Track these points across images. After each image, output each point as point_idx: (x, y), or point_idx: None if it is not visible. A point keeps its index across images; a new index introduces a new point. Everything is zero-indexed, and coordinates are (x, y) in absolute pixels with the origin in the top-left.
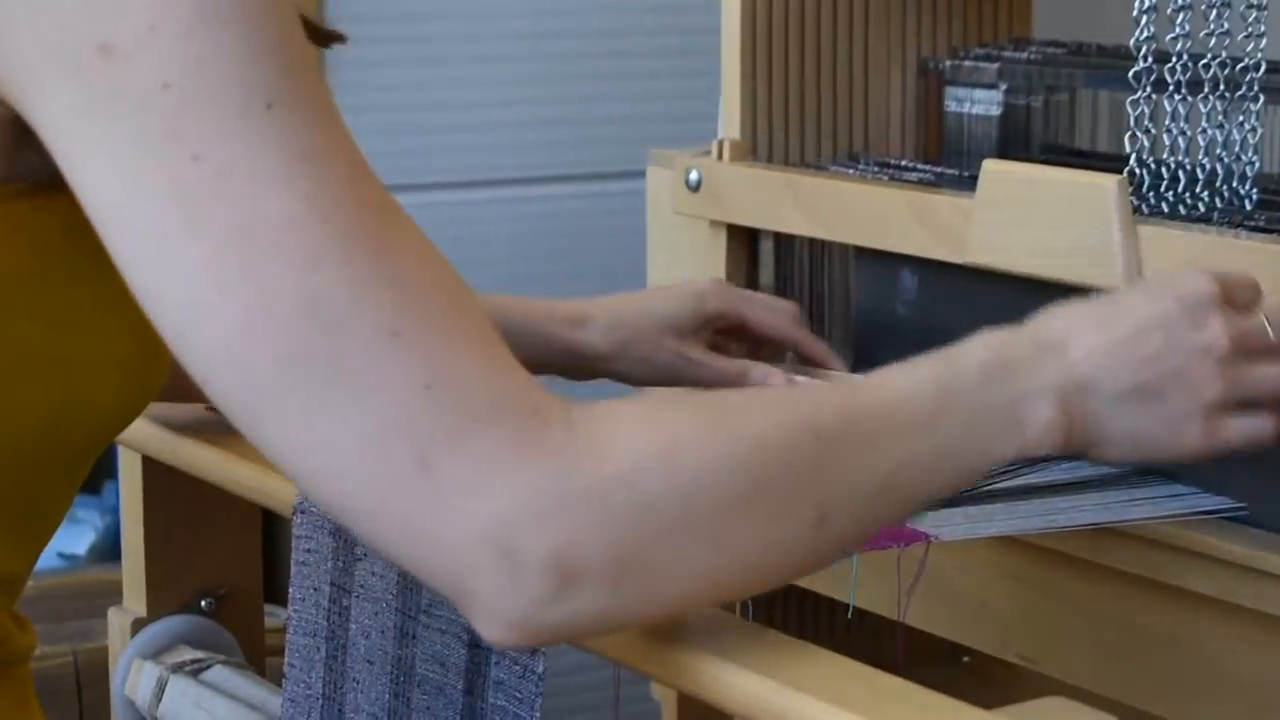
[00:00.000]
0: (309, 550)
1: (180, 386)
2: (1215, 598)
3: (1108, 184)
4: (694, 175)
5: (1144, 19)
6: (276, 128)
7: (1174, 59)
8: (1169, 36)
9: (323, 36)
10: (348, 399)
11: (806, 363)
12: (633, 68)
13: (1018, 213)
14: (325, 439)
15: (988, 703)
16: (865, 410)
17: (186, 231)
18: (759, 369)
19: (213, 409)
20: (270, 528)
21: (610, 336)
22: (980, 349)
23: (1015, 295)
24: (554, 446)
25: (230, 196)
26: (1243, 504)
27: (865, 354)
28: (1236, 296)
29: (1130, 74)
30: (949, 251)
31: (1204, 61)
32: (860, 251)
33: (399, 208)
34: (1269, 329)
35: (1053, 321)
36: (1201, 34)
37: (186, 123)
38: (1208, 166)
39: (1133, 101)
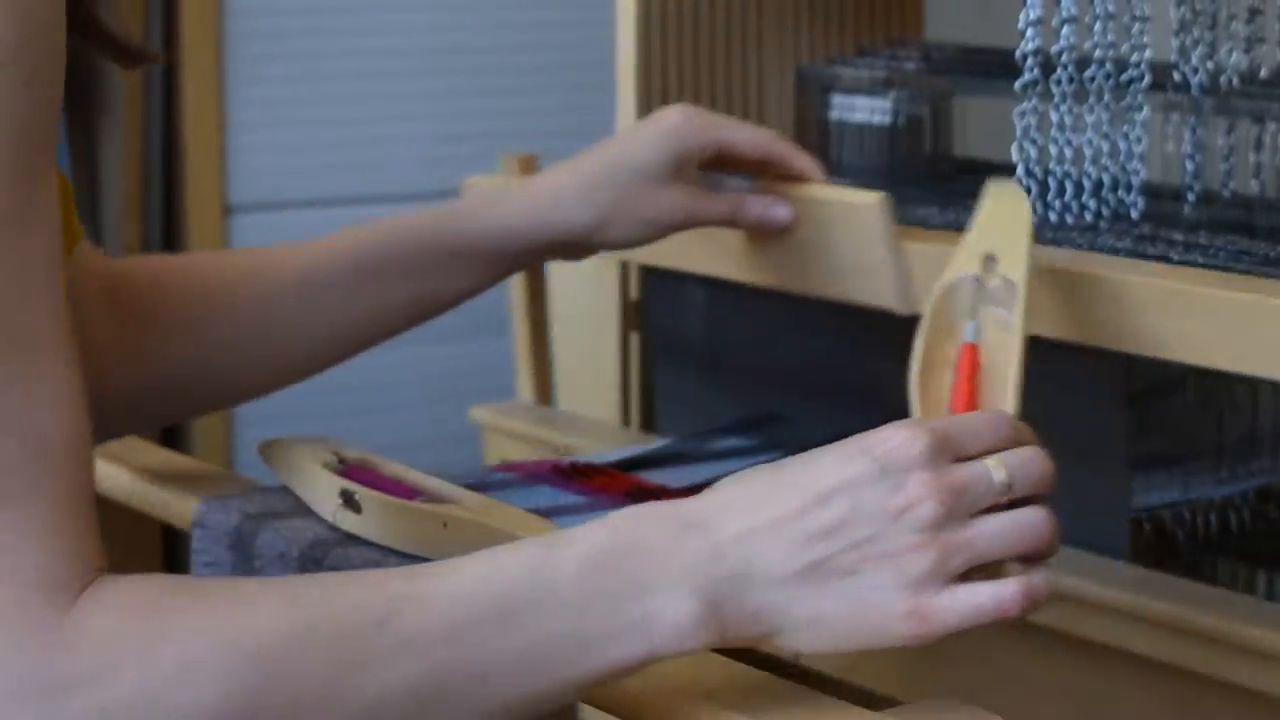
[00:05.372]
0: (207, 564)
1: None
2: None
3: (871, 202)
4: None
5: (1029, 31)
6: None
7: (1059, 70)
8: (1054, 48)
9: (133, 57)
10: None
11: (788, 179)
12: (523, 83)
13: (791, 232)
14: None
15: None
16: (417, 601)
17: None
18: (756, 202)
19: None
20: (169, 542)
21: (590, 208)
22: (595, 532)
23: (808, 315)
24: (34, 627)
25: None
26: None
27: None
28: (962, 444)
29: (1017, 85)
30: (738, 271)
31: (1089, 73)
32: (649, 272)
33: (52, 349)
34: (993, 475)
35: (707, 497)
36: (1086, 45)
37: None
38: (1094, 175)
39: (1019, 112)
